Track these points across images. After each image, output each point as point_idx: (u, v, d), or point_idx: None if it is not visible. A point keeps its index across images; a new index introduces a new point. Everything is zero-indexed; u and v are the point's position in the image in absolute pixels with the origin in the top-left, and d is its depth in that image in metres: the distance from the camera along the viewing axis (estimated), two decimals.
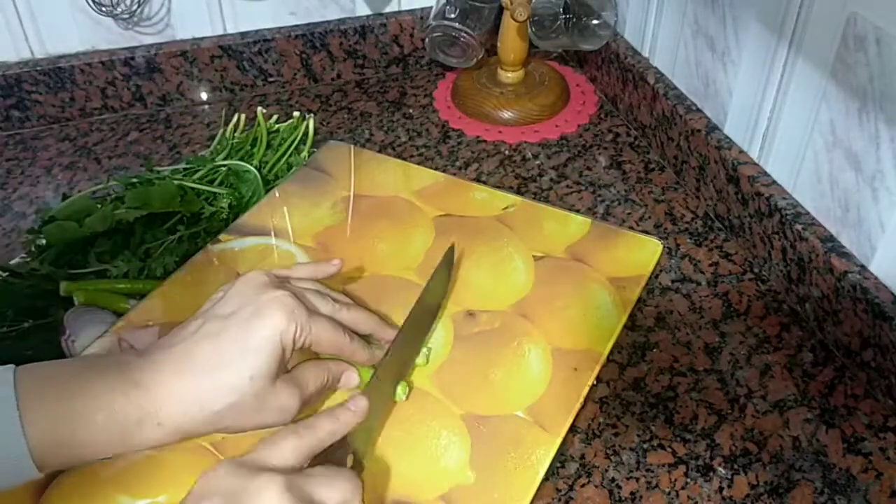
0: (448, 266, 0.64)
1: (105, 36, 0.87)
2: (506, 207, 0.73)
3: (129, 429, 0.46)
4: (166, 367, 0.47)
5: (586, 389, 0.57)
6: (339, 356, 0.54)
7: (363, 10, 0.94)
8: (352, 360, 0.55)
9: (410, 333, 0.58)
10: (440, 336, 0.61)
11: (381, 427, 0.54)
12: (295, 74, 0.94)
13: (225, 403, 0.47)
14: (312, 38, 0.92)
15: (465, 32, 0.87)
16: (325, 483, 0.43)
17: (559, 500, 0.52)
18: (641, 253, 0.68)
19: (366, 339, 0.56)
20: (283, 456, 0.44)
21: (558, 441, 0.53)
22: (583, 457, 0.54)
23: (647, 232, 0.72)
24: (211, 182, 0.75)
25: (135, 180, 0.72)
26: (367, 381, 0.54)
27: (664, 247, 0.69)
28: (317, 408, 0.55)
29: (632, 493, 0.52)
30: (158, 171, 0.76)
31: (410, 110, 0.90)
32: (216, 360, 0.47)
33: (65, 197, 0.72)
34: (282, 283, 0.52)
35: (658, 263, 0.68)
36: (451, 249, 0.64)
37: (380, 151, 0.83)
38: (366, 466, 0.51)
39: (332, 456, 0.48)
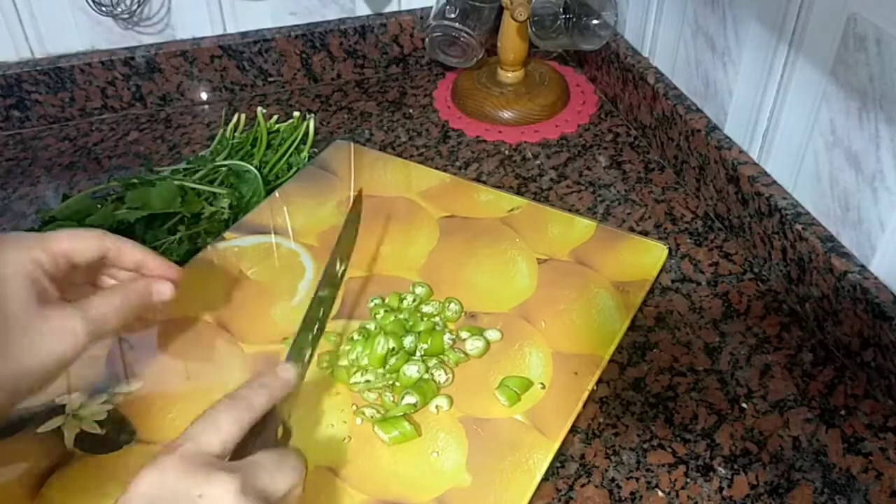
0: (355, 223, 0.60)
1: (105, 36, 0.87)
2: (511, 209, 0.72)
3: None
4: None
5: (586, 394, 0.57)
6: (137, 262, 0.52)
7: (363, 10, 0.94)
8: (147, 265, 0.53)
9: (318, 307, 0.55)
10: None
11: (300, 390, 0.53)
12: (295, 74, 0.94)
13: None
14: (312, 38, 0.92)
15: (465, 32, 0.87)
16: (274, 471, 0.43)
17: (559, 500, 0.52)
18: (646, 257, 0.68)
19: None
20: (224, 438, 0.43)
21: (556, 445, 0.53)
22: (583, 457, 0.54)
23: (646, 232, 0.72)
24: (211, 182, 0.75)
25: (135, 180, 0.72)
26: (289, 347, 0.53)
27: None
28: (135, 328, 0.56)
29: (632, 493, 0.52)
30: (158, 171, 0.76)
31: (410, 110, 0.90)
32: None
33: (65, 197, 0.72)
34: None
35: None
36: (359, 199, 0.60)
37: (380, 151, 0.82)
38: (291, 428, 0.50)
39: (265, 429, 0.47)
